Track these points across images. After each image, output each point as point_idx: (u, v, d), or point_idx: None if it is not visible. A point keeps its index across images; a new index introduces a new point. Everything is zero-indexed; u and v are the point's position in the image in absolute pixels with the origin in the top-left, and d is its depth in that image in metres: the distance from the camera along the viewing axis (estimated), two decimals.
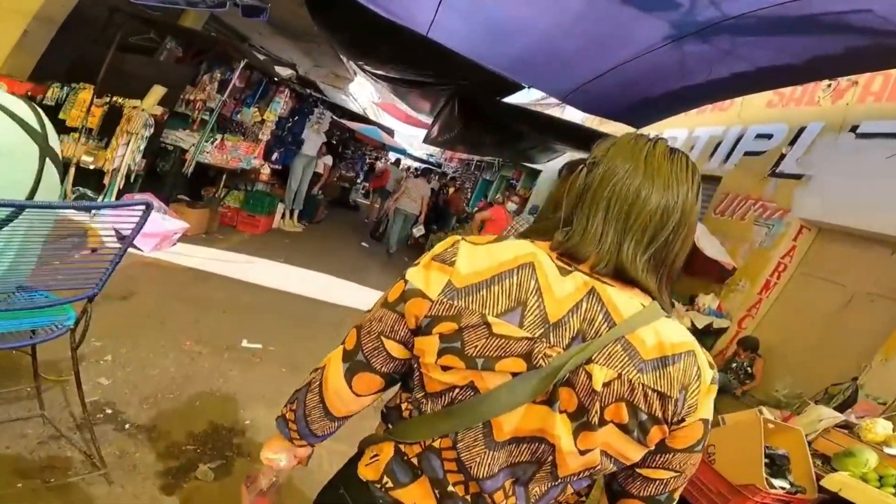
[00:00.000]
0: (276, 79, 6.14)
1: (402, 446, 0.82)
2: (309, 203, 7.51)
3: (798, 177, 5.52)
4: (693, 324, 5.32)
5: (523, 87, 5.86)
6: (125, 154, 4.10)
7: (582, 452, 0.73)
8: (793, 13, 3.91)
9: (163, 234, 4.34)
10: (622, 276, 0.74)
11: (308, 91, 7.01)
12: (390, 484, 0.81)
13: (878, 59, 4.23)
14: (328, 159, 7.27)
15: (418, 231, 8.75)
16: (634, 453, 0.75)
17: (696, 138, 7.46)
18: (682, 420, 0.73)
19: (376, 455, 0.85)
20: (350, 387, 0.84)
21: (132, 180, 4.34)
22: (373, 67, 7.56)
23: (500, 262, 0.74)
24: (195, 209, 5.23)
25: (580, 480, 0.79)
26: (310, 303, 4.66)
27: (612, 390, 0.70)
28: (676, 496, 0.82)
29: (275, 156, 6.68)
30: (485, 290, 0.73)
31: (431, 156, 24.12)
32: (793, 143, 5.81)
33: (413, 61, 6.16)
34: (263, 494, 1.01)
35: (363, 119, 11.97)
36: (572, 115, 9.17)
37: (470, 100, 6.92)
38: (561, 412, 0.72)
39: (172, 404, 2.54)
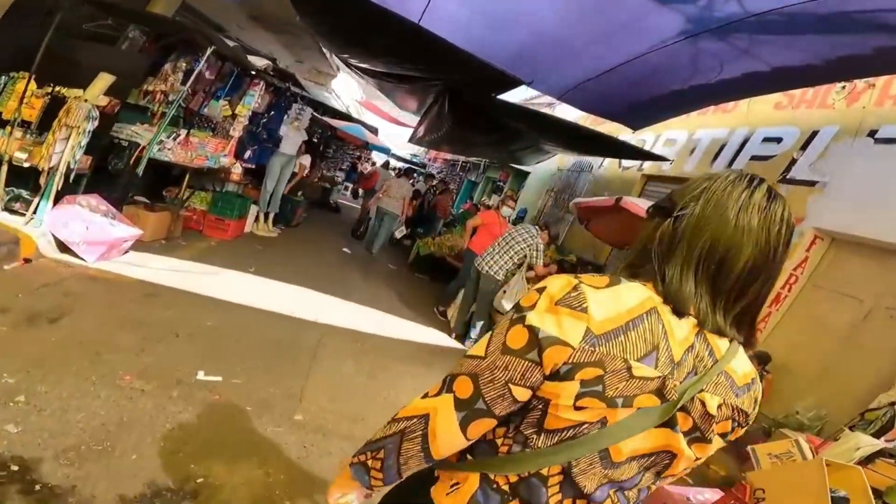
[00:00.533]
0: (252, 70, 5.59)
1: (490, 475, 0.84)
2: (286, 205, 6.95)
3: (812, 183, 5.22)
4: None
5: (522, 83, 5.44)
6: (64, 150, 3.53)
7: (696, 458, 0.87)
8: (823, 10, 3.60)
9: (110, 241, 3.79)
10: (712, 331, 0.83)
11: (287, 84, 6.48)
12: None
13: None
14: (306, 159, 6.74)
15: (400, 232, 8.56)
16: (710, 452, 0.89)
17: (696, 141, 7.15)
18: (746, 425, 0.89)
19: (457, 483, 0.86)
20: (465, 434, 0.82)
21: (71, 180, 3.76)
22: (358, 61, 7.08)
23: (630, 308, 0.79)
24: (154, 212, 4.67)
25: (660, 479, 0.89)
26: (284, 322, 4.11)
27: (722, 413, 0.84)
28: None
29: (248, 154, 6.13)
30: (622, 335, 0.77)
31: (415, 156, 23.82)
32: (804, 147, 5.52)
33: (402, 54, 5.70)
34: None
35: (346, 117, 11.48)
36: (563, 114, 8.80)
37: (461, 96, 6.48)
38: (680, 432, 0.82)
39: (100, 458, 2.05)
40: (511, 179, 13.37)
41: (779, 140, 5.91)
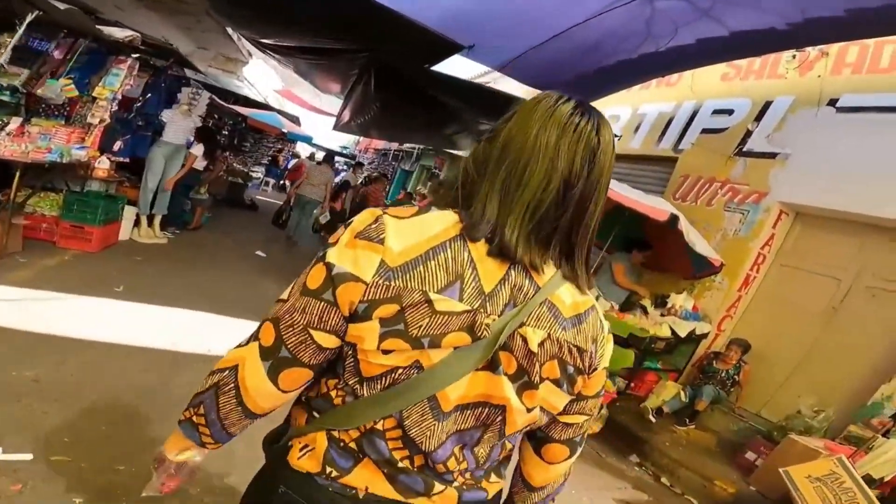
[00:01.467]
0: (117, 44, 4.33)
1: (335, 433, 0.79)
2: (177, 204, 5.66)
3: (772, 156, 4.85)
4: (674, 332, 4.45)
5: (458, 50, 4.62)
6: None
7: (529, 410, 0.78)
8: None
9: None
10: (518, 262, 0.75)
11: (170, 62, 5.23)
12: (335, 473, 0.78)
13: (885, 24, 3.57)
14: (198, 148, 5.47)
15: (324, 217, 8.15)
16: (561, 403, 0.82)
17: (642, 116, 6.71)
18: (595, 369, 0.82)
19: (308, 446, 0.80)
20: (277, 385, 0.77)
21: None
22: (267, 38, 5.96)
23: (431, 236, 0.73)
24: None
25: (515, 435, 0.84)
26: (154, 360, 2.97)
27: (546, 350, 0.75)
28: (587, 433, 0.91)
29: (118, 145, 4.84)
30: (421, 266, 0.71)
31: (346, 147, 22.72)
32: (759, 118, 5.16)
33: (318, 22, 4.70)
34: (173, 475, 0.91)
35: (263, 107, 10.28)
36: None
37: (389, 71, 5.55)
38: (504, 375, 0.74)
39: None
40: (448, 166, 12.62)
41: (730, 112, 5.54)
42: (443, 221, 0.75)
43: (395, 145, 16.83)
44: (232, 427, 0.82)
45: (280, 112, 13.18)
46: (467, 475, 0.82)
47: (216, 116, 14.36)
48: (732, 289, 4.71)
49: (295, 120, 14.70)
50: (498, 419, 0.77)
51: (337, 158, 20.74)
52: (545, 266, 0.76)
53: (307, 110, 13.97)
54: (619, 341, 4.51)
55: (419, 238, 0.72)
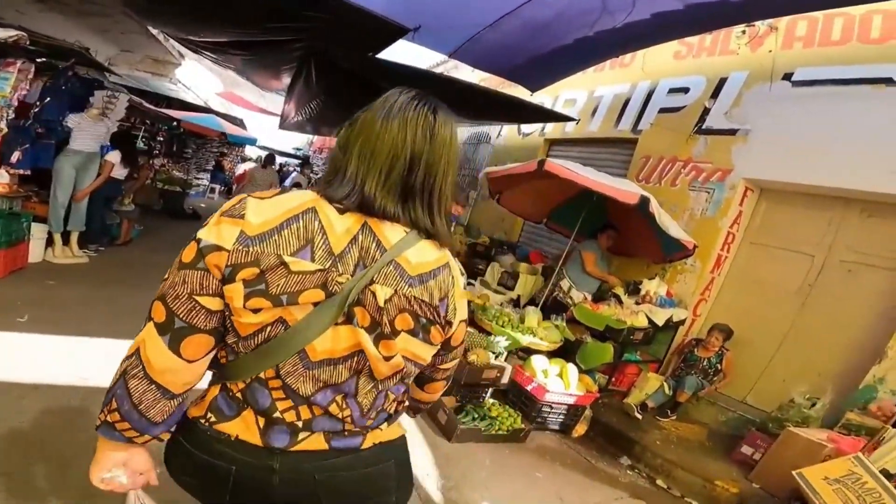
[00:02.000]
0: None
1: (227, 383, 0.88)
2: (95, 218, 4.92)
3: (732, 132, 4.70)
4: (651, 321, 4.22)
5: (400, 34, 4.18)
6: None
7: (387, 358, 0.87)
8: None
9: None
10: (377, 212, 0.85)
11: (70, 62, 4.51)
12: (213, 418, 0.88)
13: None
14: (114, 155, 4.74)
15: None
16: (426, 353, 0.93)
17: (598, 99, 6.49)
18: (451, 323, 0.92)
19: (204, 395, 0.91)
20: (180, 355, 0.82)
21: None
22: (191, 33, 5.32)
23: (287, 210, 0.83)
24: None
25: (396, 386, 0.94)
26: (62, 397, 2.45)
27: (394, 304, 0.84)
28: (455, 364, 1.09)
29: (16, 156, 4.11)
30: (276, 234, 0.80)
31: (299, 149, 21.81)
32: (715, 95, 5.02)
33: (243, 13, 4.16)
34: None
35: (202, 110, 9.53)
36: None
37: (331, 61, 5.06)
38: (360, 328, 0.84)
39: None
40: None
41: (686, 90, 5.38)
42: (299, 198, 0.85)
43: None
44: (150, 411, 0.83)
45: (223, 115, 12.34)
46: (355, 425, 0.91)
47: (148, 122, 13.26)
48: (705, 271, 4.54)
49: (239, 122, 13.82)
50: (366, 366, 0.87)
51: (289, 160, 19.85)
52: (395, 224, 0.86)
53: (253, 111, 13.25)
54: (597, 335, 4.24)
55: (276, 212, 0.82)
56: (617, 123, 6.08)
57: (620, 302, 4.44)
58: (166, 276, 0.83)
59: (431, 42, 5.20)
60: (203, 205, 11.46)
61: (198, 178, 14.99)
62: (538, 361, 3.70)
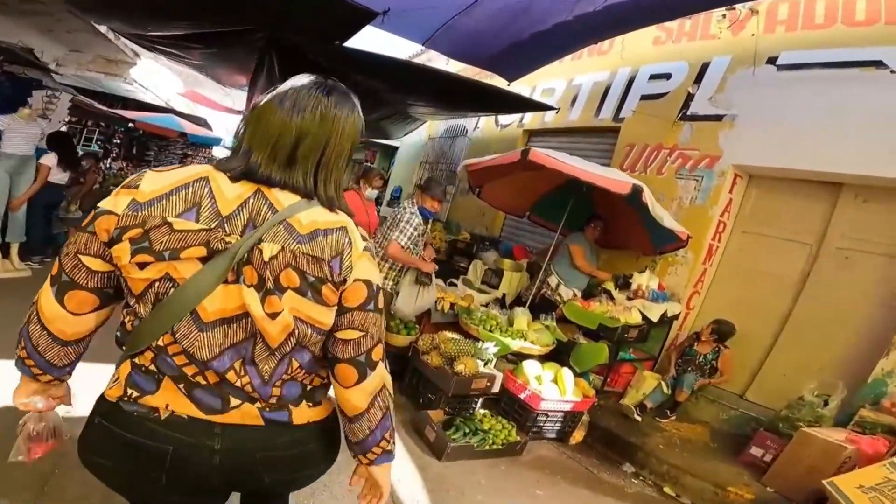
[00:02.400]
0: None
1: (136, 360, 0.91)
2: (37, 228, 4.41)
3: (718, 118, 4.53)
4: (645, 317, 4.00)
5: (368, 19, 3.83)
6: None
7: (272, 316, 0.87)
8: None
9: None
10: (262, 178, 0.89)
11: None
12: (136, 393, 0.89)
13: None
14: (50, 158, 4.22)
15: None
16: (322, 316, 0.91)
17: (577, 87, 6.26)
18: (345, 280, 0.91)
19: (117, 376, 0.92)
20: (64, 307, 0.88)
21: None
22: (141, 28, 4.85)
23: (178, 179, 0.87)
24: None
25: (297, 353, 0.94)
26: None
27: (280, 260, 0.86)
28: (374, 356, 0.98)
29: None
30: (164, 200, 0.85)
31: None
32: (698, 80, 4.83)
33: (194, 3, 3.75)
34: (39, 438, 1.01)
35: (162, 110, 8.94)
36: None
37: (294, 51, 4.68)
38: (248, 286, 0.86)
39: None
40: (379, 158, 11.75)
41: (667, 76, 5.18)
42: (193, 169, 0.90)
43: None
44: (48, 353, 0.91)
45: (185, 115, 11.71)
46: (259, 394, 0.92)
47: (103, 124, 12.49)
48: (697, 262, 4.35)
49: (203, 122, 13.14)
50: (257, 329, 0.88)
51: None
52: (283, 190, 0.90)
53: (218, 111, 12.59)
54: (590, 334, 4.00)
55: (167, 181, 0.87)
56: (598, 112, 5.86)
57: (612, 298, 4.22)
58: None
59: (403, 28, 4.84)
60: None
61: None
62: (531, 367, 3.43)
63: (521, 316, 3.79)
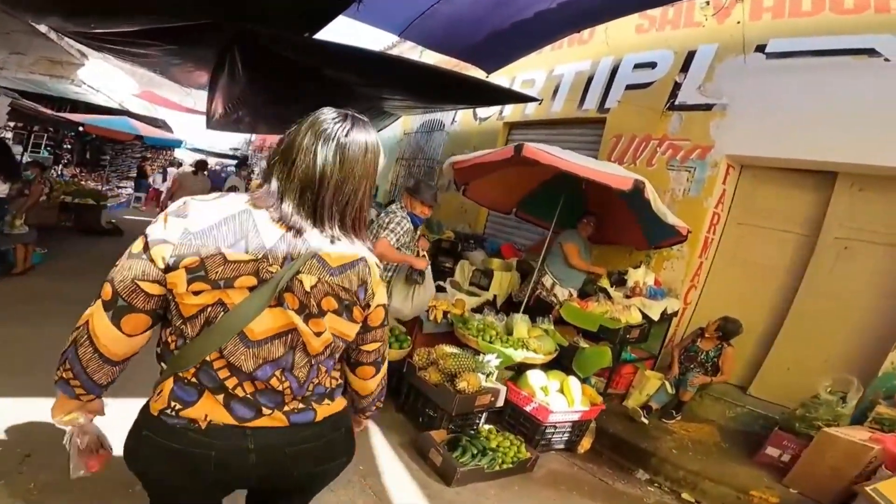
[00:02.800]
0: None
1: (179, 373, 0.98)
2: None
3: (708, 107, 4.41)
4: (645, 316, 3.87)
5: (340, 7, 3.52)
6: None
7: (317, 334, 1.02)
8: None
9: None
10: (294, 227, 0.98)
11: None
12: (179, 406, 0.97)
13: None
14: None
15: None
16: (351, 331, 1.08)
17: (558, 77, 6.08)
18: (370, 305, 1.09)
19: (160, 390, 0.99)
20: (121, 330, 0.94)
21: None
22: (82, 25, 4.34)
23: (225, 212, 0.96)
24: None
25: (326, 360, 1.08)
26: None
27: (319, 289, 0.99)
28: (384, 356, 1.24)
29: None
30: (216, 231, 0.94)
31: (236, 148, 20.23)
32: (685, 69, 4.71)
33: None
34: (90, 451, 1.07)
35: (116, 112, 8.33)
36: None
37: (258, 46, 4.29)
38: (291, 310, 0.98)
39: None
40: None
41: (652, 65, 5.05)
42: (236, 201, 0.99)
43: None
44: (96, 375, 0.97)
45: (141, 117, 11.00)
46: (295, 398, 1.05)
47: (51, 129, 11.58)
48: (693, 255, 4.25)
49: (161, 124, 12.41)
50: (299, 341, 1.01)
51: (224, 162, 18.31)
52: (313, 230, 0.99)
53: (179, 111, 11.91)
54: (591, 337, 3.84)
55: (215, 212, 0.96)
56: (581, 103, 5.69)
57: (609, 297, 4.07)
58: (117, 263, 0.95)
59: (378, 18, 4.52)
60: (127, 217, 10.07)
61: (120, 188, 13.41)
62: (535, 378, 3.24)
63: (521, 323, 3.58)
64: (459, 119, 7.55)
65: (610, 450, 3.28)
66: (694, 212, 4.23)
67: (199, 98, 9.85)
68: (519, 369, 3.52)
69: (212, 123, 7.95)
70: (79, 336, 0.94)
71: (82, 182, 9.40)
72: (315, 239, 0.98)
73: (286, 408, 1.03)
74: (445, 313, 3.94)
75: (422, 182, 3.41)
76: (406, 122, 8.65)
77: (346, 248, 1.02)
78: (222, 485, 1.05)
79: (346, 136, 0.98)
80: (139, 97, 11.07)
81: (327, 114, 1.01)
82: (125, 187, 13.51)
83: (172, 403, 0.96)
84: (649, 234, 4.26)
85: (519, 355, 3.30)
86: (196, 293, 0.92)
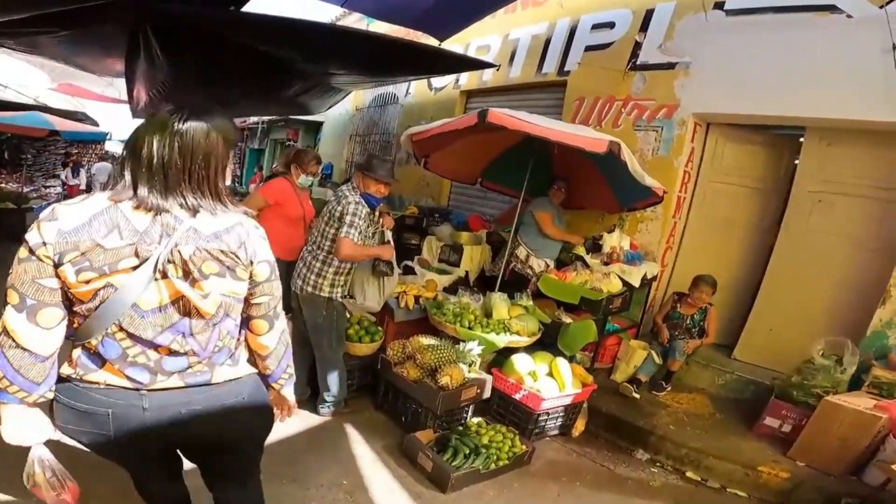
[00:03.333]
0: None
1: (85, 344, 1.07)
2: None
3: (671, 66, 4.11)
4: (626, 283, 3.60)
5: None
6: None
7: (204, 296, 1.08)
8: None
9: None
10: (153, 207, 1.03)
11: None
12: (83, 372, 1.07)
13: None
14: None
15: None
16: (240, 288, 1.14)
17: (514, 42, 5.62)
18: (252, 262, 1.13)
19: (70, 359, 1.09)
20: (38, 325, 1.00)
21: None
22: None
23: (92, 210, 1.00)
24: None
25: (225, 321, 1.15)
26: None
27: (198, 256, 1.05)
28: (277, 310, 1.26)
29: None
30: (88, 227, 0.98)
31: None
32: (644, 28, 4.37)
33: None
34: (59, 485, 1.08)
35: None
36: None
37: (175, 21, 3.57)
38: (178, 278, 1.05)
39: None
40: (303, 135, 10.50)
41: (611, 25, 4.68)
42: (98, 200, 1.02)
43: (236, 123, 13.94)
44: (30, 373, 1.01)
45: (58, 111, 9.72)
46: (201, 360, 1.12)
47: None
48: (668, 216, 4.01)
49: (81, 117, 11.06)
50: (192, 306, 1.07)
51: None
52: (177, 207, 1.05)
53: (104, 102, 10.56)
54: (570, 308, 3.55)
55: (84, 212, 1.00)
56: (540, 67, 5.28)
57: (587, 265, 3.77)
58: (11, 270, 0.99)
59: None
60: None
61: (47, 187, 11.93)
62: (522, 362, 2.91)
63: (500, 303, 3.23)
64: (413, 91, 6.99)
65: (605, 430, 3.03)
66: (665, 171, 3.97)
67: (122, 87, 8.72)
68: (500, 352, 3.18)
69: (138, 113, 7.01)
70: (2, 343, 0.99)
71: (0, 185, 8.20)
72: (183, 214, 1.05)
73: (188, 370, 1.11)
74: (417, 298, 3.54)
75: (374, 157, 2.86)
76: (357, 98, 7.99)
77: (220, 217, 1.09)
78: (128, 442, 1.10)
79: (183, 123, 1.04)
80: (56, 91, 9.71)
81: (164, 109, 1.07)
82: (53, 186, 12.05)
83: (78, 370, 1.06)
84: (621, 197, 3.99)
85: (502, 340, 2.95)
86: (86, 282, 0.99)
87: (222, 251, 1.07)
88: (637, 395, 3.24)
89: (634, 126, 4.29)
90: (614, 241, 3.95)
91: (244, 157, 14.36)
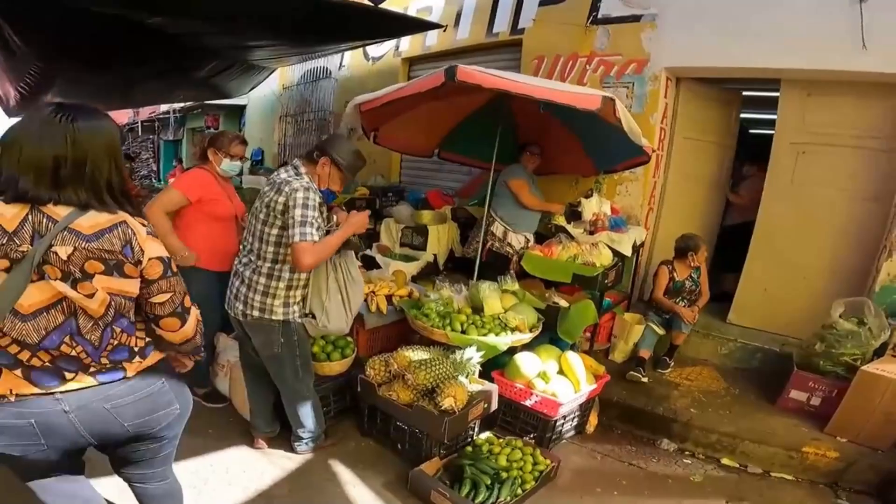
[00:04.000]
0: None
1: None
2: None
3: (636, 18, 3.66)
4: (616, 252, 3.19)
5: None
6: None
7: (89, 296, 1.01)
8: None
9: None
10: (33, 200, 0.97)
11: None
12: None
13: None
14: None
15: None
16: (130, 287, 1.07)
17: (458, 2, 4.93)
18: (140, 261, 1.06)
19: None
20: None
21: None
22: None
23: None
24: None
25: (117, 320, 1.07)
26: None
27: (77, 256, 0.99)
28: (185, 304, 1.17)
29: None
30: None
31: None
32: None
33: None
34: None
35: None
36: None
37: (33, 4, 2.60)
38: (55, 280, 0.98)
39: None
40: (224, 121, 9.20)
41: None
42: None
43: (143, 115, 12.18)
44: None
45: None
46: (95, 360, 1.05)
47: None
48: (648, 176, 3.62)
49: None
50: (76, 307, 1.01)
51: None
52: (58, 205, 0.98)
53: None
54: (559, 286, 3.10)
55: None
56: (490, 26, 4.64)
57: (571, 237, 3.32)
58: None
59: None
60: None
61: None
62: (527, 363, 2.40)
63: (491, 294, 2.65)
64: (348, 62, 6.10)
65: (620, 421, 2.64)
66: (641, 128, 3.48)
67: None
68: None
69: (12, 111, 5.59)
70: None
71: None
72: (61, 213, 0.99)
73: (91, 369, 1.05)
74: (389, 297, 2.91)
75: (338, 139, 2.13)
76: (283, 75, 6.95)
77: (101, 216, 1.02)
78: (66, 446, 1.08)
79: (72, 122, 0.99)
80: None
81: (48, 107, 1.01)
82: None
83: None
84: (598, 159, 3.55)
85: (505, 342, 2.39)
86: None
87: (106, 250, 1.01)
88: (644, 379, 2.87)
89: (602, 83, 3.82)
90: (594, 206, 3.52)
91: (158, 151, 12.61)
